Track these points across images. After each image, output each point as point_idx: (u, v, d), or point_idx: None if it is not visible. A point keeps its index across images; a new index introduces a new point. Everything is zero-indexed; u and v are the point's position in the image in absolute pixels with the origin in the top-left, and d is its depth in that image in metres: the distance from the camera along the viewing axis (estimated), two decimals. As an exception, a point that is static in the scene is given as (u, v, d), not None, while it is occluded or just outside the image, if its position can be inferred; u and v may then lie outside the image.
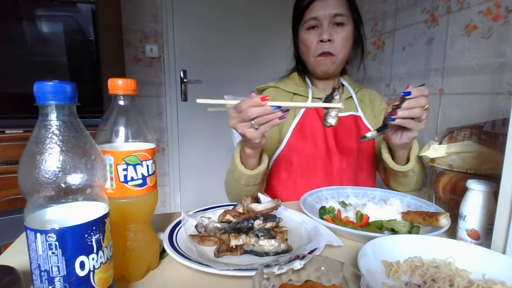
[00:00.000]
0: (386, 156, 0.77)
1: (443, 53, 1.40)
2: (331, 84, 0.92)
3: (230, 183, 0.77)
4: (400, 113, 0.61)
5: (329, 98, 0.62)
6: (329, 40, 0.80)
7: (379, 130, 0.67)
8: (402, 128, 0.66)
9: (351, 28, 0.83)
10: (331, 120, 0.62)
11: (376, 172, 0.95)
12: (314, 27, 0.82)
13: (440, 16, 1.42)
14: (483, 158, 0.59)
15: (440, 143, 0.67)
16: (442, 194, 0.64)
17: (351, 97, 0.93)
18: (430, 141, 0.69)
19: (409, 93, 0.60)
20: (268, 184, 0.92)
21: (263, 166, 0.72)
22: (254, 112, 0.57)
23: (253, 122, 0.58)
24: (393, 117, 0.61)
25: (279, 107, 0.58)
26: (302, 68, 0.93)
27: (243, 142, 0.69)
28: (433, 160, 0.67)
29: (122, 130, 0.39)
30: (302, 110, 0.87)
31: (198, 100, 0.58)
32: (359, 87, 0.96)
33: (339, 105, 0.60)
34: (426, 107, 0.61)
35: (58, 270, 0.27)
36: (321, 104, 0.63)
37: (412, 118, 0.62)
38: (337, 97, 0.60)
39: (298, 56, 0.92)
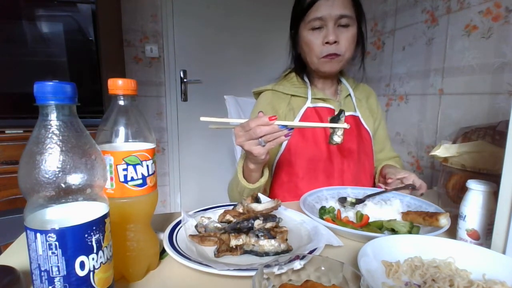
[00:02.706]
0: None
1: (443, 53, 1.40)
2: (330, 83, 0.92)
3: (233, 194, 0.80)
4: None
5: (335, 119, 0.66)
6: (335, 42, 0.79)
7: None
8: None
9: (355, 28, 0.82)
10: (337, 139, 0.66)
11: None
12: (318, 28, 0.80)
13: (440, 16, 1.42)
14: (495, 158, 0.59)
15: (454, 142, 0.67)
16: (452, 193, 0.65)
17: (349, 95, 0.93)
18: (442, 140, 0.70)
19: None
20: (271, 188, 0.92)
21: (263, 180, 0.75)
22: (263, 131, 0.60)
23: (260, 139, 0.61)
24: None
25: (285, 125, 0.61)
26: (300, 67, 0.91)
27: (247, 158, 0.71)
28: (446, 159, 0.67)
29: (122, 130, 0.39)
30: (302, 111, 0.86)
31: (202, 118, 0.61)
32: (355, 83, 0.96)
33: (345, 125, 0.63)
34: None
35: (58, 270, 0.27)
36: (328, 125, 0.66)
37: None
38: (343, 118, 0.64)
39: (296, 55, 0.91)
